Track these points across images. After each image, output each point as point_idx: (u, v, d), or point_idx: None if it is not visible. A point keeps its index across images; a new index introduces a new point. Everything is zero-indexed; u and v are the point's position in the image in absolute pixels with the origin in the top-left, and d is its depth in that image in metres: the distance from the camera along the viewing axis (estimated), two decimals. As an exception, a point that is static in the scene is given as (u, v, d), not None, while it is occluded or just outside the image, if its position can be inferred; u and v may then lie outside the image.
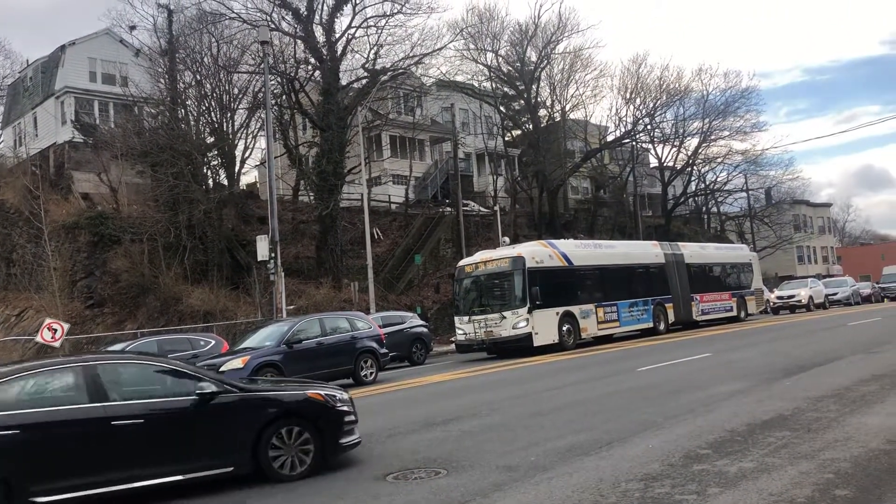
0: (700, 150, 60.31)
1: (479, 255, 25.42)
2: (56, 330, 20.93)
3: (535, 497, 6.46)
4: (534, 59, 51.59)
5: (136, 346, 18.29)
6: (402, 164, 47.06)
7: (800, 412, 9.23)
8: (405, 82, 45.16)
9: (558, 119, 53.84)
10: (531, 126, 53.37)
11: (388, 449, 9.14)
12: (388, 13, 36.99)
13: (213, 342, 19.96)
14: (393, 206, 45.38)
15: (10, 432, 6.78)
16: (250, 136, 39.35)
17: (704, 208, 68.67)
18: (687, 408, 10.20)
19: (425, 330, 26.48)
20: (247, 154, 39.43)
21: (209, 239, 34.96)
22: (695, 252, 32.30)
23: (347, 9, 36.92)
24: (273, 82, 34.70)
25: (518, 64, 52.25)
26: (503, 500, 6.49)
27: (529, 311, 22.58)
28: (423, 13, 38.35)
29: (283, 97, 39.37)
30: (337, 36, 36.88)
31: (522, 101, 54.26)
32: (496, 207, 44.03)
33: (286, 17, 36.38)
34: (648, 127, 57.46)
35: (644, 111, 55.49)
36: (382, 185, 46.61)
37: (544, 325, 22.89)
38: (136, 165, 36.51)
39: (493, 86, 53.10)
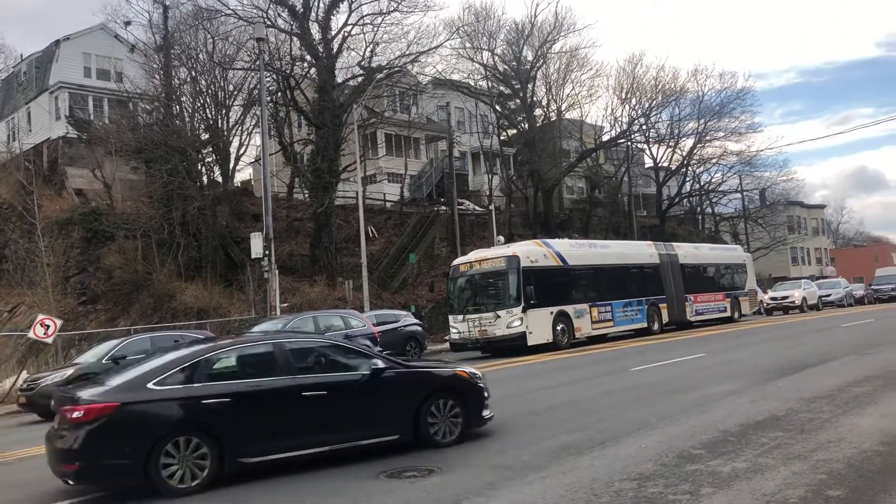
0: (695, 151, 60.47)
1: (474, 254, 25.41)
2: (49, 326, 20.80)
3: (528, 496, 6.46)
4: (530, 58, 51.64)
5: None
6: (397, 163, 47.00)
7: (793, 413, 9.24)
8: (401, 80, 45.09)
9: (554, 118, 53.87)
10: (527, 125, 53.40)
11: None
12: (384, 11, 36.93)
13: (207, 339, 19.87)
14: (388, 205, 45.32)
15: (223, 400, 7.66)
16: (245, 133, 39.34)
17: (699, 209, 68.79)
18: (680, 408, 10.21)
19: (419, 328, 26.46)
20: (241, 151, 39.43)
21: (203, 236, 34.87)
22: (689, 252, 32.35)
23: (343, 6, 36.84)
24: (268, 79, 34.63)
25: (514, 63, 52.28)
26: (497, 498, 6.48)
27: (524, 311, 22.57)
28: (419, 11, 38.26)
29: (279, 94, 39.25)
30: (333, 33, 36.80)
31: (518, 101, 54.27)
32: (491, 206, 44.00)
33: (282, 13, 36.30)
34: (644, 127, 57.59)
35: (639, 111, 55.61)
36: (377, 183, 46.53)
37: (538, 324, 22.90)
38: (131, 161, 36.40)
39: (489, 84, 53.12)
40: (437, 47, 41.22)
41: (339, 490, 7.24)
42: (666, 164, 62.23)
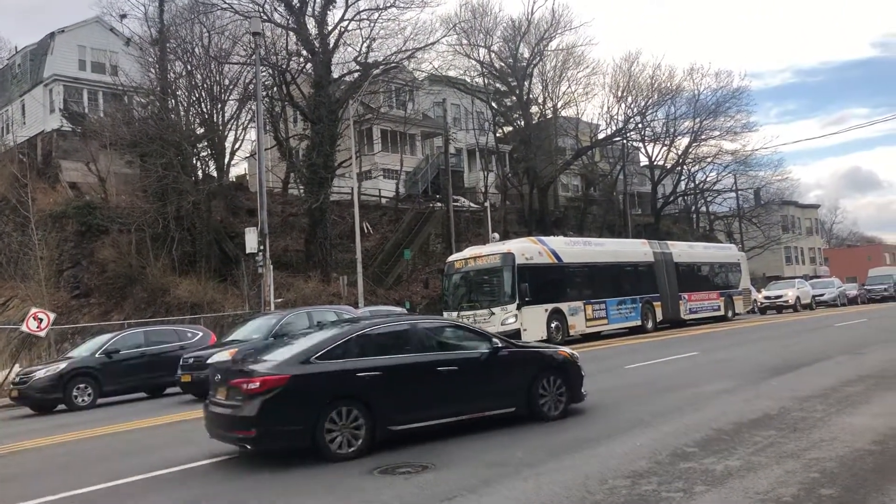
0: (690, 150, 60.59)
1: (469, 251, 25.40)
2: (42, 319, 20.70)
3: (522, 493, 6.45)
4: (526, 55, 51.65)
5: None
6: (392, 159, 46.95)
7: (786, 412, 9.26)
8: (397, 76, 45.01)
9: (550, 116, 53.89)
10: (523, 122, 53.40)
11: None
12: (380, 6, 36.89)
13: (201, 334, 19.82)
14: (383, 201, 45.29)
15: (375, 374, 8.45)
16: (240, 127, 39.26)
17: (694, 208, 68.91)
18: (674, 406, 10.23)
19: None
20: (236, 146, 39.32)
21: (197, 230, 34.79)
22: (683, 251, 32.41)
23: (340, 1, 37.02)
24: (264, 74, 34.53)
25: (510, 60, 52.27)
26: (490, 495, 6.47)
27: (518, 308, 22.60)
28: (416, 7, 38.13)
29: (274, 89, 39.18)
30: (329, 28, 36.74)
31: (514, 98, 54.28)
32: (486, 203, 44.03)
33: (278, 8, 36.24)
34: (639, 125, 57.67)
35: (635, 110, 55.68)
36: (373, 179, 46.49)
37: (533, 321, 22.91)
38: (125, 155, 36.30)
39: (486, 81, 53.11)
40: (433, 43, 41.29)
41: (333, 486, 7.23)
42: (661, 163, 62.34)
